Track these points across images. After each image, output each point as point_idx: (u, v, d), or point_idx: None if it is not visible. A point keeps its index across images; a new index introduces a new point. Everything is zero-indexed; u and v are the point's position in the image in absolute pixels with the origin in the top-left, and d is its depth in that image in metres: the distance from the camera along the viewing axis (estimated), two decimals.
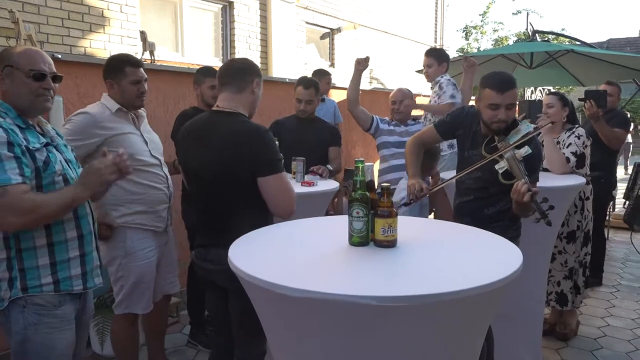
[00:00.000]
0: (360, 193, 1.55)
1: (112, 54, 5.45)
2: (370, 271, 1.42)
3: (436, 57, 4.16)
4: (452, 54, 15.07)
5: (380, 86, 10.39)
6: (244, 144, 1.96)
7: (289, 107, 4.19)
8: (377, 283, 1.31)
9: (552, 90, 8.35)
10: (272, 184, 1.97)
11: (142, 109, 2.61)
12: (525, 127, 2.22)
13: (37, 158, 1.73)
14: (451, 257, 1.55)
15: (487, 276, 1.29)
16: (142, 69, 2.51)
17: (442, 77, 4.12)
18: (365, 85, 9.95)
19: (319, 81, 4.87)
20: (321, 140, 3.61)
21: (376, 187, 1.69)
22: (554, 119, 3.26)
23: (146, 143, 2.55)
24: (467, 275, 1.33)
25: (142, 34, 4.67)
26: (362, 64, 3.77)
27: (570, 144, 3.22)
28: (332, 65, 9.31)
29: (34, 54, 1.80)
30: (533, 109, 3.31)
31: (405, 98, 4.13)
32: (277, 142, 2.12)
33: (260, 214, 2.04)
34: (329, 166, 3.47)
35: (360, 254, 1.56)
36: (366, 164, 1.59)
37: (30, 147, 1.72)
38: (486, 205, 2.45)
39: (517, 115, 2.68)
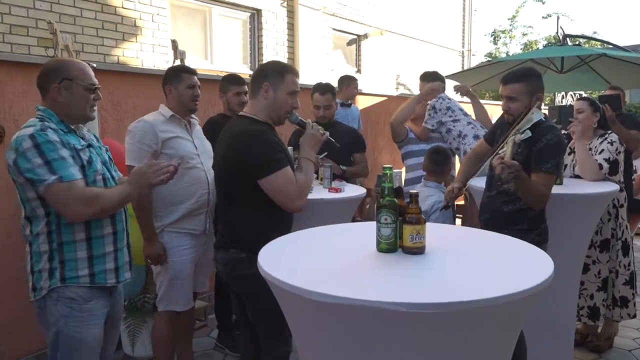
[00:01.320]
0: (388, 199, 1.55)
1: (144, 62, 5.61)
2: (398, 277, 1.42)
3: (427, 81, 4.05)
4: (480, 58, 14.89)
5: (407, 92, 10.34)
6: (240, 146, 2.04)
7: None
8: (406, 290, 1.31)
9: (583, 95, 8.17)
10: (269, 185, 2.02)
11: (194, 117, 2.81)
12: (536, 115, 2.26)
13: (82, 157, 1.88)
14: (480, 265, 1.53)
15: (518, 284, 1.28)
16: (196, 77, 2.75)
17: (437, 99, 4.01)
18: (391, 91, 9.92)
19: (347, 87, 4.90)
20: (345, 145, 3.61)
21: (403, 190, 1.69)
22: (585, 124, 3.20)
23: (196, 148, 2.73)
24: (497, 283, 1.32)
25: (174, 43, 4.78)
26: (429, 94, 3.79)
27: (602, 150, 3.14)
28: (359, 71, 9.32)
29: (87, 68, 1.96)
30: (563, 114, 3.26)
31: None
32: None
33: (265, 215, 2.09)
34: (343, 167, 3.47)
35: (388, 260, 1.56)
36: (394, 170, 1.60)
37: (76, 147, 1.88)
38: (505, 201, 2.45)
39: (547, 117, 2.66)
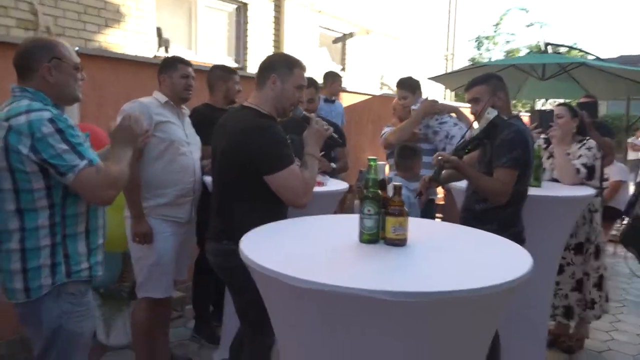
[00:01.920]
0: (372, 191, 1.56)
1: (127, 50, 5.51)
2: (379, 267, 1.43)
3: (409, 89, 4.00)
4: (464, 62, 15.06)
5: (390, 92, 10.40)
6: (248, 140, 2.01)
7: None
8: (387, 279, 1.31)
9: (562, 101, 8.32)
10: (276, 181, 2.01)
11: (185, 108, 2.84)
12: (491, 113, 2.36)
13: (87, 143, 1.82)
14: (460, 258, 1.56)
15: (496, 277, 1.30)
16: (191, 69, 2.79)
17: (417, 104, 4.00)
18: (375, 90, 9.97)
19: (332, 83, 4.90)
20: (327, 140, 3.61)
21: (386, 182, 1.70)
22: (564, 129, 3.26)
23: (186, 136, 2.75)
24: (476, 275, 1.34)
25: (158, 30, 4.71)
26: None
27: (581, 155, 3.21)
28: (344, 69, 9.33)
29: (70, 47, 1.89)
30: (544, 119, 3.32)
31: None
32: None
33: (263, 210, 2.06)
34: (333, 164, 3.48)
35: (370, 251, 1.57)
36: (379, 162, 1.60)
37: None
38: (477, 200, 2.50)
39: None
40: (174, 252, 2.70)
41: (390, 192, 1.60)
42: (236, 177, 2.08)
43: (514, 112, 2.67)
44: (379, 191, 1.57)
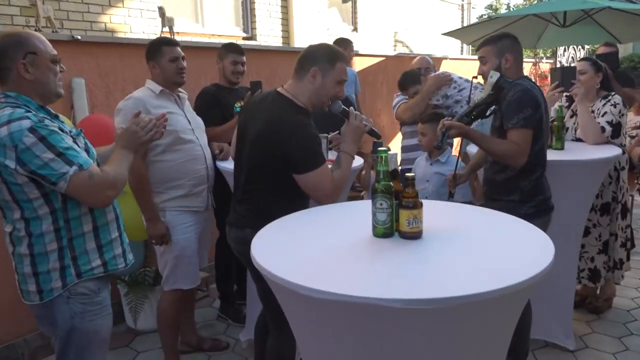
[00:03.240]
0: (384, 184, 1.50)
1: (132, 28, 5.42)
2: (394, 268, 1.38)
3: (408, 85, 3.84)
4: (480, 11, 14.48)
5: (405, 50, 10.11)
6: (282, 136, 1.96)
7: None
8: (402, 283, 1.27)
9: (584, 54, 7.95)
10: (306, 180, 1.98)
11: (183, 91, 2.72)
12: (494, 76, 2.31)
13: (78, 144, 1.77)
14: (476, 251, 1.49)
15: (516, 275, 1.24)
16: (178, 48, 2.63)
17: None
18: (389, 49, 9.69)
19: (343, 49, 4.70)
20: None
21: (399, 173, 1.63)
22: (587, 85, 3.11)
23: (189, 122, 2.65)
24: (494, 273, 1.28)
25: (161, 10, 4.60)
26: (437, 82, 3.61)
27: (605, 112, 3.06)
28: (355, 29, 9.06)
29: (44, 38, 1.78)
30: (565, 76, 3.15)
31: (429, 66, 4.00)
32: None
33: (289, 202, 2.04)
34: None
35: (384, 246, 1.52)
36: (390, 152, 1.54)
37: (71, 134, 1.77)
38: (497, 171, 2.43)
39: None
40: (196, 241, 2.69)
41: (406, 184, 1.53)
42: (265, 168, 2.04)
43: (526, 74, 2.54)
44: (391, 183, 1.51)
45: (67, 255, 1.76)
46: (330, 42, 4.64)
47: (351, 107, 2.19)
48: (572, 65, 3.39)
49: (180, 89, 2.71)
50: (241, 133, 2.18)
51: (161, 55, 2.57)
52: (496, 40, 2.43)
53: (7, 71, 1.69)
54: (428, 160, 3.37)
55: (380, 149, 1.50)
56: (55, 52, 1.79)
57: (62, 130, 1.70)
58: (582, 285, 3.42)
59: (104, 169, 1.77)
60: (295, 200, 2.05)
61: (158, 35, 5.27)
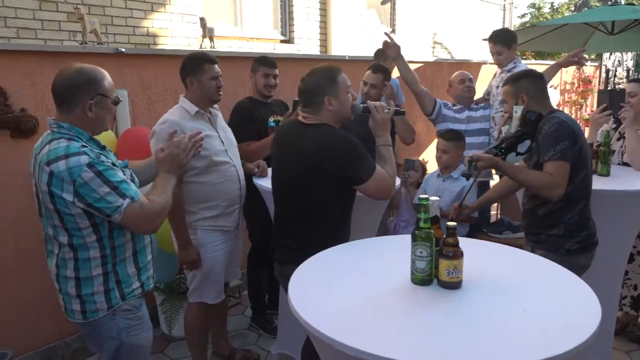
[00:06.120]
0: (425, 232, 1.48)
1: (173, 32, 5.51)
2: (431, 328, 1.35)
3: (504, 42, 3.77)
4: (523, 10, 14.06)
5: (443, 51, 9.93)
6: (335, 155, 2.00)
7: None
8: (438, 351, 1.24)
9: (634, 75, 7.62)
10: (370, 187, 2.05)
11: (216, 107, 2.71)
12: (517, 110, 2.34)
13: (125, 174, 1.85)
14: (517, 310, 1.44)
15: (557, 345, 1.21)
16: (217, 65, 2.62)
17: (515, 63, 3.77)
18: (427, 50, 9.54)
19: (387, 59, 4.59)
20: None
21: (439, 219, 1.60)
22: (637, 108, 2.99)
23: (223, 142, 2.64)
24: (534, 341, 1.26)
25: (202, 20, 4.65)
26: (391, 50, 3.61)
27: None
28: (394, 31, 8.94)
29: (110, 78, 1.86)
30: (614, 99, 3.03)
31: (470, 79, 3.93)
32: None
33: (336, 229, 2.09)
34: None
35: (422, 297, 1.50)
36: (431, 198, 1.50)
37: (120, 166, 1.85)
38: (537, 204, 2.36)
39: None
40: (225, 259, 2.71)
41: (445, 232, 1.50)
42: (314, 194, 2.07)
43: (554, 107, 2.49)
44: (431, 231, 1.49)
45: (111, 280, 1.84)
46: (367, 43, 4.57)
47: (368, 101, 2.23)
48: (621, 88, 3.24)
49: (214, 107, 2.71)
50: (279, 169, 2.23)
51: (202, 72, 2.55)
52: (513, 82, 2.42)
53: (73, 105, 1.77)
54: (440, 176, 3.38)
55: (422, 196, 1.47)
56: (116, 94, 1.88)
57: (114, 164, 1.79)
58: (623, 312, 3.31)
59: (152, 198, 1.85)
60: (342, 226, 2.13)
61: (199, 40, 5.33)
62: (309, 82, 2.13)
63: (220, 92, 2.63)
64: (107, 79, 1.83)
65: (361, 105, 2.22)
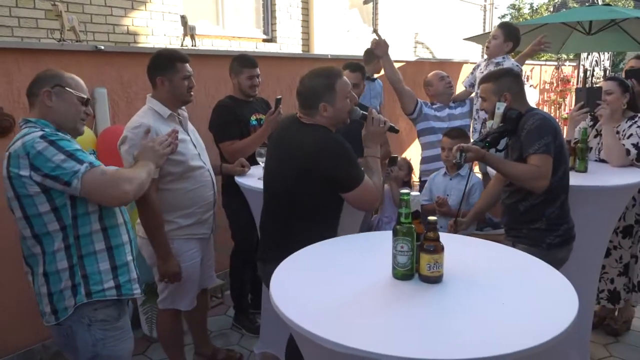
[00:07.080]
0: (406, 227, 1.49)
1: (154, 31, 5.45)
2: (414, 320, 1.37)
3: (505, 32, 3.82)
4: (503, 11, 14.24)
5: (425, 51, 10.00)
6: (325, 161, 1.99)
7: None
8: (419, 342, 1.26)
9: (612, 73, 7.78)
10: (355, 196, 2.04)
11: (184, 109, 2.60)
12: (500, 107, 2.36)
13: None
14: (497, 302, 1.47)
15: (537, 335, 1.24)
16: (188, 64, 2.49)
17: (504, 59, 3.83)
18: (409, 50, 9.60)
19: (377, 62, 4.58)
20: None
21: (421, 214, 1.61)
22: (614, 106, 3.04)
23: (195, 146, 2.56)
24: (514, 330, 1.29)
25: (183, 19, 4.61)
26: (380, 48, 3.63)
27: (631, 134, 3.00)
28: (376, 30, 8.99)
29: (81, 81, 1.90)
30: (591, 97, 3.09)
31: (448, 76, 3.98)
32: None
33: (322, 228, 2.08)
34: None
35: (403, 292, 1.51)
36: (412, 193, 1.52)
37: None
38: (519, 199, 2.41)
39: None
40: (199, 265, 2.65)
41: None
42: (304, 194, 2.06)
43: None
44: (412, 226, 1.50)
45: (77, 274, 1.77)
46: (350, 43, 4.60)
47: (370, 110, 2.21)
48: (598, 86, 3.30)
49: (182, 108, 2.58)
50: (273, 167, 2.19)
51: (175, 71, 2.41)
52: (495, 79, 2.45)
53: (33, 97, 1.82)
54: (447, 175, 3.40)
55: (403, 191, 1.48)
56: (86, 95, 1.87)
57: (71, 140, 1.78)
58: (600, 306, 3.38)
59: (119, 169, 1.82)
60: (330, 229, 2.12)
61: (180, 39, 5.28)
62: (307, 85, 2.11)
63: (192, 93, 2.50)
64: (74, 78, 1.86)
65: (361, 112, 2.20)
